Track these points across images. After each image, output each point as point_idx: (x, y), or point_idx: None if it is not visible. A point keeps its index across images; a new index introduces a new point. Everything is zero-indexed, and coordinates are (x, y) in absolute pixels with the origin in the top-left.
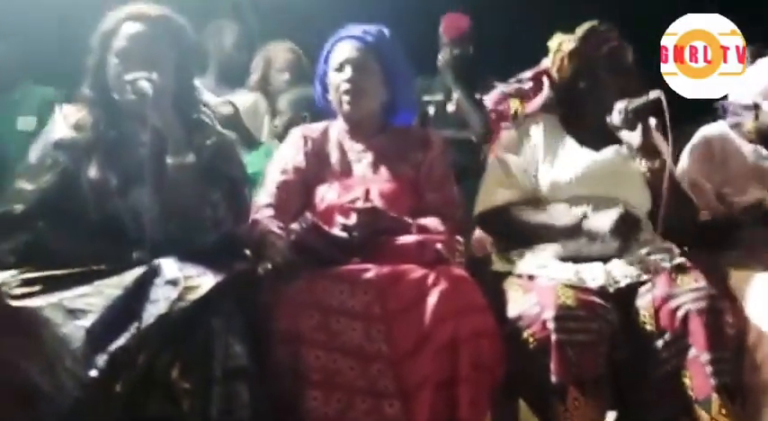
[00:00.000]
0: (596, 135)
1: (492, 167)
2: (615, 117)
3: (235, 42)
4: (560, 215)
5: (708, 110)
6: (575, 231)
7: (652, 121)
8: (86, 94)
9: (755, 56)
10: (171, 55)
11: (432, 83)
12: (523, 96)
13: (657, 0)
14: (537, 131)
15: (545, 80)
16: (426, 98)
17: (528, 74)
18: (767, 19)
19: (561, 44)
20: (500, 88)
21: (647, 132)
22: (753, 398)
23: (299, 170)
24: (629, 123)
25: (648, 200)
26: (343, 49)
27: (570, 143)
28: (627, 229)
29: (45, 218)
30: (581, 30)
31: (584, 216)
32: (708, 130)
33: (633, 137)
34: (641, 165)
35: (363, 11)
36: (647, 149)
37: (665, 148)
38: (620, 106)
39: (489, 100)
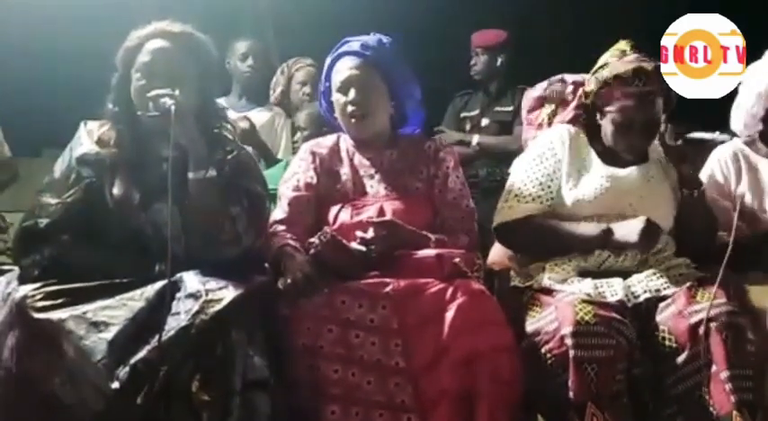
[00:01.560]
0: (623, 156)
1: (512, 180)
2: (668, 137)
3: (255, 60)
4: (585, 226)
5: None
6: (599, 243)
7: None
8: (110, 109)
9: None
10: (193, 71)
11: (468, 99)
12: (562, 101)
13: (657, 0)
14: (562, 146)
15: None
16: (463, 114)
17: (573, 78)
18: (767, 19)
19: (591, 75)
20: (539, 90)
21: (695, 167)
22: None
23: (310, 187)
24: (680, 150)
25: (671, 220)
26: (344, 68)
27: (595, 160)
28: (651, 239)
29: (69, 232)
30: (612, 51)
31: (608, 229)
32: (722, 151)
33: (680, 165)
34: (680, 193)
35: (399, 26)
36: (690, 180)
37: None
38: (674, 134)
39: (525, 102)
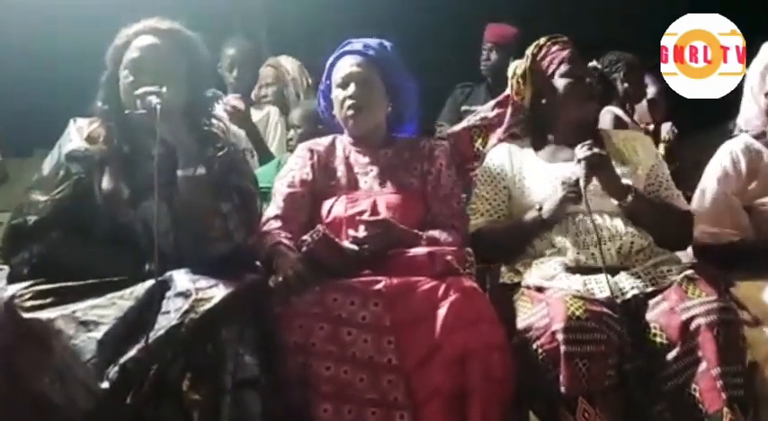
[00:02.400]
0: (566, 149)
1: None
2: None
3: (240, 71)
4: (524, 217)
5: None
6: (539, 222)
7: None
8: (99, 107)
9: None
10: (182, 67)
11: (470, 92)
12: (488, 127)
13: (657, 0)
14: (500, 163)
15: (508, 107)
16: (464, 108)
17: (491, 104)
18: (767, 19)
19: (516, 68)
20: (464, 123)
21: (602, 181)
22: (765, 412)
23: (305, 183)
24: (593, 160)
25: None
26: (345, 65)
27: (540, 164)
28: (575, 188)
29: (58, 229)
30: (529, 49)
31: (540, 207)
32: (732, 145)
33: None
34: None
35: (395, 25)
36: (612, 191)
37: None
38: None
39: (453, 138)
